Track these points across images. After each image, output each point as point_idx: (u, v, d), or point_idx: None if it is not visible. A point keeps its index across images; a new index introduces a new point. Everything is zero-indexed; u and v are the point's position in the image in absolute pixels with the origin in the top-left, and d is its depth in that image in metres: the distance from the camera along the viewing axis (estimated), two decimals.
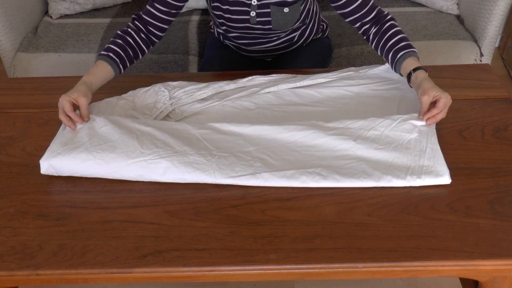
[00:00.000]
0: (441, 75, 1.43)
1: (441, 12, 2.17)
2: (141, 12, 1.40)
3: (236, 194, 1.09)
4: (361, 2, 1.37)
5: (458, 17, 2.15)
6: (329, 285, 1.65)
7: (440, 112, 1.19)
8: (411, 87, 1.28)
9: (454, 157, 1.16)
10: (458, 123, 1.27)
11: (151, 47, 1.43)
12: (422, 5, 2.22)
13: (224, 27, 1.53)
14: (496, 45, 2.68)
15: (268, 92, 1.37)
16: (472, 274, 1.00)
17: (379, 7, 1.40)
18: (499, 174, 1.12)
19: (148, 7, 1.39)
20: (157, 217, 1.05)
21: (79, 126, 1.21)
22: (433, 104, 1.20)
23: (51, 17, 2.22)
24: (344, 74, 1.42)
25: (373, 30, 1.38)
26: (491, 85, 1.40)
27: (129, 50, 1.35)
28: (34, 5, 2.19)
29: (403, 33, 1.34)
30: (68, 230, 1.03)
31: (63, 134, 1.19)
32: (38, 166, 1.15)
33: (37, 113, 1.34)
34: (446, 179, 1.09)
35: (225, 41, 1.67)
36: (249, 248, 0.98)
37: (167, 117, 1.31)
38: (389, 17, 1.38)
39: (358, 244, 0.98)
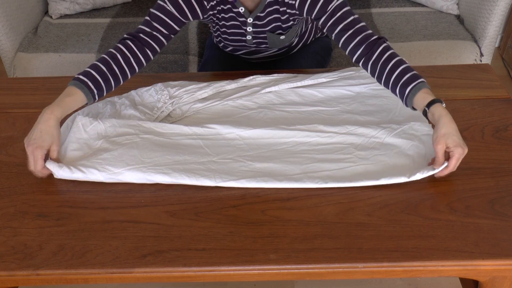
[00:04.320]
0: (441, 75, 1.44)
1: (441, 12, 2.17)
2: (139, 34, 1.29)
3: (236, 194, 1.09)
4: (343, 21, 1.25)
5: (458, 17, 2.15)
6: (329, 285, 1.65)
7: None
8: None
9: None
10: (458, 123, 1.25)
11: (137, 71, 1.30)
12: (422, 5, 2.22)
13: (222, 44, 1.55)
14: (496, 45, 2.68)
15: (269, 92, 1.37)
16: (472, 274, 1.00)
17: (370, 31, 1.25)
18: (499, 174, 1.12)
19: (145, 27, 1.29)
20: (157, 217, 1.05)
21: (79, 129, 1.21)
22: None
23: (51, 17, 2.22)
24: (345, 74, 1.43)
25: (370, 60, 1.22)
26: (491, 85, 1.39)
27: (111, 79, 1.23)
28: (34, 5, 2.19)
29: (405, 63, 1.18)
30: (68, 230, 1.03)
31: (67, 141, 1.20)
32: None
33: (37, 113, 1.32)
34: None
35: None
36: (249, 248, 0.98)
37: (168, 116, 1.31)
38: (384, 45, 1.22)
39: (358, 244, 0.98)
